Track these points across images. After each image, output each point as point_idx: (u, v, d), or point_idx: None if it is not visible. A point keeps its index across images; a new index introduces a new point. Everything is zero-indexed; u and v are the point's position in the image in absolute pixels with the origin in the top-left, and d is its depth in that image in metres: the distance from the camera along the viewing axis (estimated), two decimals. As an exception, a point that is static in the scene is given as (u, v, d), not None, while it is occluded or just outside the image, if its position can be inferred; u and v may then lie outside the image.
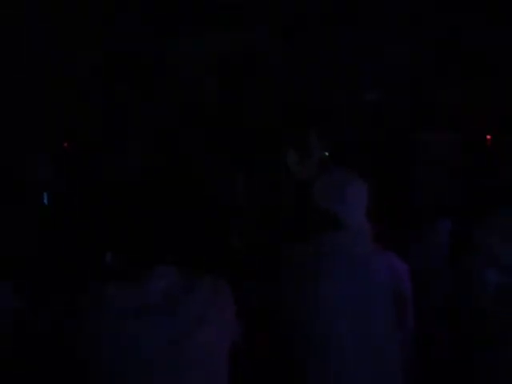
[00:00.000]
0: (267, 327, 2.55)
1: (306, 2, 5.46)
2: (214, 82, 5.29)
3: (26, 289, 2.50)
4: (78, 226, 3.07)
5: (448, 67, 4.97)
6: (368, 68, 5.26)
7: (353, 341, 2.39)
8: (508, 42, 5.00)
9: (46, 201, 3.12)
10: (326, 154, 3.65)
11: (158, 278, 2.11)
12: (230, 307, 2.20)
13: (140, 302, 2.06)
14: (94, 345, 2.05)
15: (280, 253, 2.60)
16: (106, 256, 2.52)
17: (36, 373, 2.41)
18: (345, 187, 2.48)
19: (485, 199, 3.17)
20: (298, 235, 2.60)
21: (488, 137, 4.04)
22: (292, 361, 2.46)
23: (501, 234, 2.51)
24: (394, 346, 2.46)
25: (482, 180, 3.43)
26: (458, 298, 2.60)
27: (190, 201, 3.36)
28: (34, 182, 3.13)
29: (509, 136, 3.83)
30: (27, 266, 2.75)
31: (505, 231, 2.53)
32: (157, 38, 5.35)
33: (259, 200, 3.70)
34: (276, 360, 2.52)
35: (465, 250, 2.63)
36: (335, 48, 5.43)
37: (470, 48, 5.10)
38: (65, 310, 2.17)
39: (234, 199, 3.83)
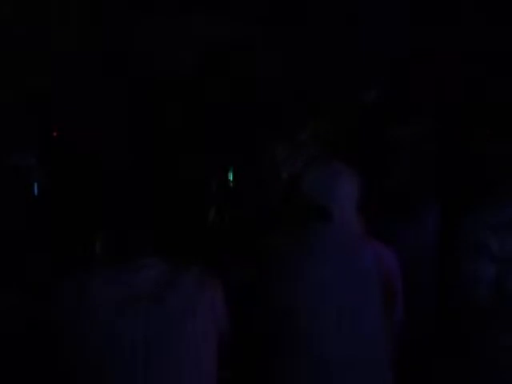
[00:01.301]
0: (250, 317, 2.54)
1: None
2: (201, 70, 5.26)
3: (13, 278, 2.49)
4: (64, 214, 3.06)
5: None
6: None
7: (339, 331, 2.38)
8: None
9: (36, 191, 3.10)
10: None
11: (144, 268, 2.11)
12: (219, 297, 2.20)
13: (126, 293, 2.06)
14: (77, 334, 2.05)
15: (265, 244, 2.59)
16: (95, 246, 2.51)
17: (20, 361, 2.41)
18: (334, 180, 2.47)
19: (472, 186, 3.17)
20: (284, 227, 2.59)
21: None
22: (277, 352, 2.45)
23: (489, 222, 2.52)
24: (382, 335, 2.46)
25: (470, 166, 3.43)
26: (449, 288, 2.60)
27: (175, 191, 3.36)
28: (20, 169, 3.11)
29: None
30: (14, 255, 2.74)
31: (493, 220, 2.54)
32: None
33: (245, 193, 3.69)
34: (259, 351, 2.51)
35: (454, 239, 2.64)
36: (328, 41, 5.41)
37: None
38: (50, 299, 2.17)
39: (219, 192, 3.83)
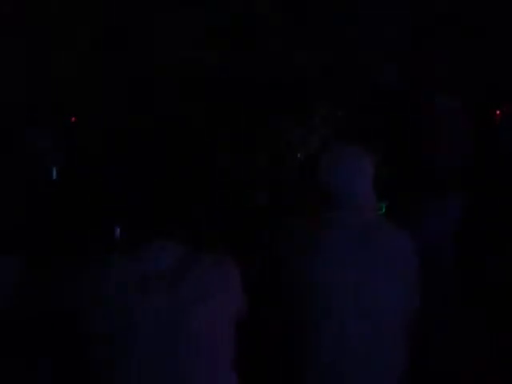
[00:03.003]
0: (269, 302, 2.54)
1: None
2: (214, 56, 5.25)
3: (29, 261, 2.49)
4: (82, 199, 3.06)
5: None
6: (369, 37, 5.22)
7: (354, 315, 2.38)
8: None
9: (54, 176, 3.10)
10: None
11: (160, 253, 2.10)
12: (235, 283, 2.19)
13: (142, 277, 2.06)
14: (93, 317, 2.06)
15: (281, 227, 2.57)
16: (115, 231, 2.52)
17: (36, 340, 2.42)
18: (349, 161, 2.45)
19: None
20: (300, 210, 2.58)
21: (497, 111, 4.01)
22: (292, 336, 2.45)
23: None
24: (397, 323, 2.44)
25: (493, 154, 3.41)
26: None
27: (196, 174, 3.35)
28: (33, 154, 3.12)
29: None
30: (29, 239, 2.74)
31: None
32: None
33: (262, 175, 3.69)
34: (277, 336, 2.51)
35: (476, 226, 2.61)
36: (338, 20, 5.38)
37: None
38: (67, 281, 2.17)
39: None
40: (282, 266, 2.47)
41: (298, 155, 3.56)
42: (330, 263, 2.38)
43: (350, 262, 2.38)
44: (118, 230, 2.56)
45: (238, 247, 3.17)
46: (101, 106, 4.54)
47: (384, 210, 2.69)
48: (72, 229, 2.94)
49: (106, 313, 2.05)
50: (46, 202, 2.96)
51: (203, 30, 5.23)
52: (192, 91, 4.71)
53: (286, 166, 3.58)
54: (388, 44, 4.95)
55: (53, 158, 3.18)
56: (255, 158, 3.77)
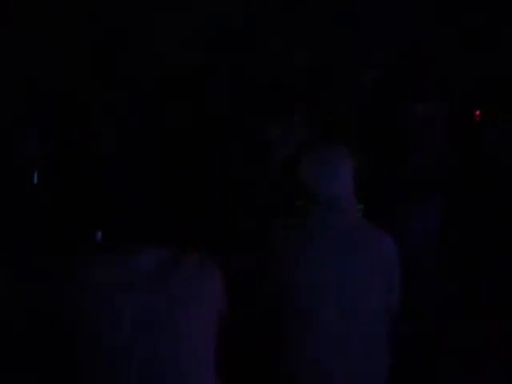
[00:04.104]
0: (254, 301, 2.56)
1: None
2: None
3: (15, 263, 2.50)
4: (65, 202, 3.06)
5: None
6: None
7: (339, 314, 2.41)
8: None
9: (35, 179, 3.10)
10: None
11: (145, 254, 2.11)
12: (218, 283, 2.20)
13: (126, 278, 2.07)
14: (78, 319, 2.06)
15: (266, 228, 2.59)
16: (96, 234, 2.52)
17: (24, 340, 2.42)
18: (331, 163, 2.46)
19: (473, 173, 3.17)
20: (283, 211, 2.59)
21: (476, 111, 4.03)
22: (278, 334, 2.48)
23: None
24: (381, 318, 2.47)
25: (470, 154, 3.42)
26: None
27: (182, 175, 3.36)
28: (21, 156, 3.12)
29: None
30: (15, 242, 2.75)
31: None
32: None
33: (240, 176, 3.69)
34: (262, 334, 2.53)
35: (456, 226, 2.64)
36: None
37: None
38: (52, 281, 2.17)
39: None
40: (269, 267, 2.50)
41: (279, 155, 3.55)
42: (312, 264, 2.41)
43: (332, 263, 2.41)
44: (101, 231, 2.57)
45: (227, 247, 3.19)
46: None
47: (362, 212, 2.70)
48: (58, 229, 2.95)
49: (92, 313, 2.05)
50: (32, 202, 2.97)
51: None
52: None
53: (265, 166, 3.59)
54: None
55: (41, 161, 3.19)
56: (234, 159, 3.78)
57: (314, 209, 2.46)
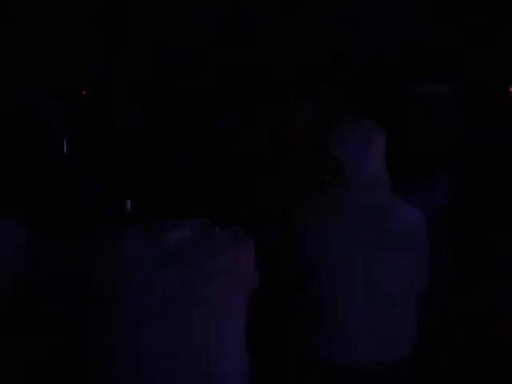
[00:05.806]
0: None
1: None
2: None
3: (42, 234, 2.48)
4: (93, 172, 3.06)
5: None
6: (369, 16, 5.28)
7: (364, 287, 2.42)
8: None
9: (65, 148, 3.09)
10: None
11: (174, 227, 2.10)
12: (249, 258, 2.20)
13: (155, 253, 2.06)
14: (104, 292, 2.08)
15: (296, 204, 2.59)
16: (125, 204, 2.50)
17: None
18: (364, 136, 2.45)
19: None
20: (311, 185, 2.59)
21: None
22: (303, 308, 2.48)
23: None
24: (405, 296, 2.48)
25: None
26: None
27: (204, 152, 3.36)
28: (46, 128, 3.11)
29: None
30: (40, 210, 2.73)
31: None
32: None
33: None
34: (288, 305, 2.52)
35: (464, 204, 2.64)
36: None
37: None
38: (77, 256, 2.17)
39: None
40: (295, 242, 2.50)
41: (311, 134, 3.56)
42: (341, 239, 2.41)
43: (361, 237, 2.42)
44: (129, 204, 2.56)
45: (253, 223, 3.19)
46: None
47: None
48: (85, 202, 2.93)
49: (115, 289, 2.06)
50: (58, 175, 2.95)
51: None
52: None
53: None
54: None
55: (63, 132, 3.18)
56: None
57: (344, 183, 2.46)
